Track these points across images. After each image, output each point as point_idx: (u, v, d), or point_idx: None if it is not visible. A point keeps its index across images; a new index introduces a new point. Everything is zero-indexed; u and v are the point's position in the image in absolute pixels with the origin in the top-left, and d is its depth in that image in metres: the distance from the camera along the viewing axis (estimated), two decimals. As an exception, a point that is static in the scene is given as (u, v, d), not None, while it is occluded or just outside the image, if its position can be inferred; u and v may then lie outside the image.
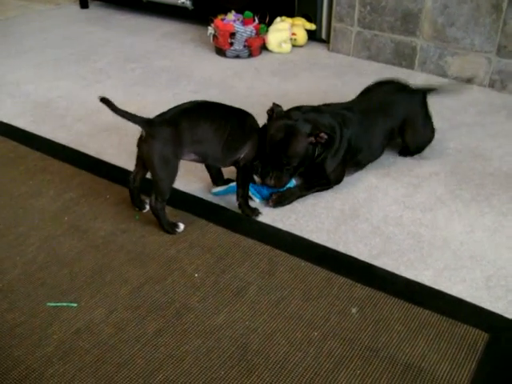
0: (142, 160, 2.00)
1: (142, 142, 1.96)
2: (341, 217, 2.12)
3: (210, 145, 2.01)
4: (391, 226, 2.07)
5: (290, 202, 2.20)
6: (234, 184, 2.16)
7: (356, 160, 2.35)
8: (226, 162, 2.12)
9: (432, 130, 2.51)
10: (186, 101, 3.07)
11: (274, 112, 2.15)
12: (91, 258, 1.93)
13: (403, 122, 2.41)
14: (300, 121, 2.12)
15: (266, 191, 2.20)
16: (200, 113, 2.04)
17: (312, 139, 2.10)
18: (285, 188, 2.19)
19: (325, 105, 2.36)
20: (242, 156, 2.09)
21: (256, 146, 2.11)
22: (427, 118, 2.49)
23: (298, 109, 2.22)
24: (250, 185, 2.17)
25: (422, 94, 2.48)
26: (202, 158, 2.06)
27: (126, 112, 1.89)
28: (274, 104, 2.19)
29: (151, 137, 1.91)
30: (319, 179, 2.27)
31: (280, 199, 2.19)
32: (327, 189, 2.28)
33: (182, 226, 2.04)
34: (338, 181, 2.30)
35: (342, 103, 2.41)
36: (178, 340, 1.61)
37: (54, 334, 1.63)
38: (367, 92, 2.51)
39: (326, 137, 2.11)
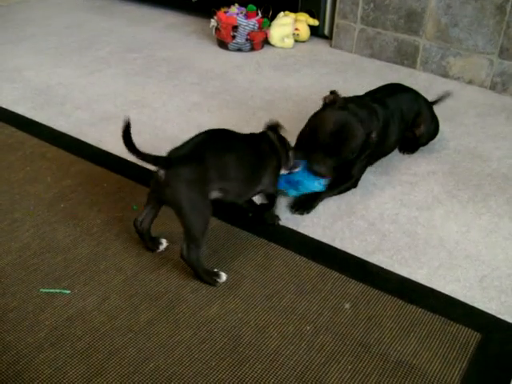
0: (158, 202, 1.77)
1: (161, 184, 1.67)
2: (337, 213, 2.12)
3: (236, 179, 1.79)
4: (387, 223, 2.07)
5: (315, 206, 2.16)
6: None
7: (381, 152, 2.36)
8: (249, 196, 1.97)
9: (437, 123, 2.54)
10: (186, 92, 3.08)
11: (337, 101, 2.13)
12: (86, 245, 1.92)
13: (416, 116, 2.44)
14: (360, 117, 2.11)
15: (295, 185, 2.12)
16: (222, 144, 1.79)
17: (365, 138, 2.11)
18: (313, 190, 2.13)
19: (357, 97, 2.35)
20: (266, 184, 1.94)
21: (276, 170, 1.95)
22: (433, 112, 2.53)
23: (352, 101, 2.20)
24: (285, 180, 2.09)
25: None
26: (226, 195, 1.81)
27: (139, 151, 1.64)
28: (333, 93, 2.16)
29: (174, 178, 1.64)
30: (343, 175, 2.24)
31: (305, 205, 2.15)
32: (350, 187, 2.25)
33: (223, 277, 1.78)
34: (359, 178, 2.27)
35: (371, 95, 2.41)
36: (170, 330, 1.61)
37: (46, 320, 1.63)
38: (381, 89, 2.51)
39: (375, 139, 2.12)
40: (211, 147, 1.74)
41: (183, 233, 1.71)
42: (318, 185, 2.12)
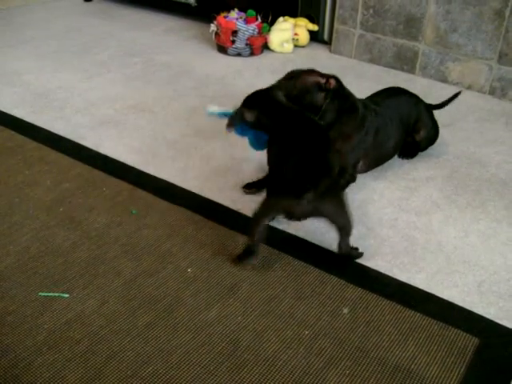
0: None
1: (307, 206, 1.71)
2: (336, 217, 2.12)
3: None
4: (386, 228, 2.07)
5: None
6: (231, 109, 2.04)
7: (379, 155, 2.36)
8: None
9: (437, 128, 2.55)
10: (185, 96, 3.08)
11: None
12: (85, 249, 1.92)
13: (416, 121, 2.44)
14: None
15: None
16: (313, 138, 1.85)
17: (321, 80, 2.13)
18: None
19: None
20: None
21: None
22: (434, 118, 2.53)
23: None
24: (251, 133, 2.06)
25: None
26: None
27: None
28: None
29: (321, 193, 1.70)
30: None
31: None
32: (347, 182, 2.26)
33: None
34: (352, 169, 2.27)
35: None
36: (168, 334, 1.61)
37: (44, 324, 1.63)
38: (381, 92, 2.53)
39: (334, 83, 2.14)
40: (312, 148, 1.81)
41: (339, 230, 1.83)
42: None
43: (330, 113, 2.17)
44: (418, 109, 2.46)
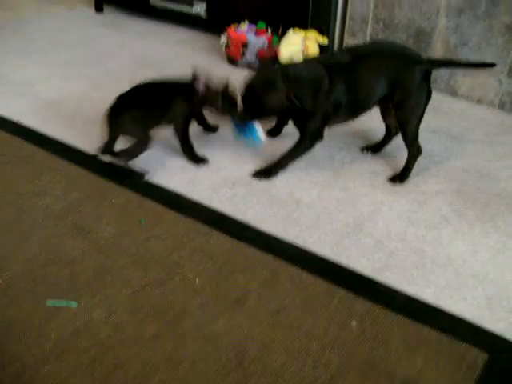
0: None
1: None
2: (344, 230, 2.12)
3: None
4: (395, 241, 2.07)
5: (274, 172, 2.39)
6: None
7: (339, 113, 2.34)
8: None
9: (421, 99, 2.32)
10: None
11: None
12: (93, 258, 1.93)
13: (394, 86, 2.29)
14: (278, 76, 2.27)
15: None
16: None
17: (283, 96, 2.23)
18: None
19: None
20: None
21: None
22: (420, 95, 2.31)
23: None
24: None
25: (426, 69, 2.31)
26: None
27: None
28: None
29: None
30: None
31: (265, 171, 2.39)
32: (304, 148, 2.36)
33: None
34: (313, 137, 2.34)
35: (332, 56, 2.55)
36: (175, 344, 1.61)
37: (52, 333, 1.63)
38: (370, 44, 2.60)
39: (294, 100, 2.21)
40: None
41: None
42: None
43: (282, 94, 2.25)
44: (408, 68, 2.28)
